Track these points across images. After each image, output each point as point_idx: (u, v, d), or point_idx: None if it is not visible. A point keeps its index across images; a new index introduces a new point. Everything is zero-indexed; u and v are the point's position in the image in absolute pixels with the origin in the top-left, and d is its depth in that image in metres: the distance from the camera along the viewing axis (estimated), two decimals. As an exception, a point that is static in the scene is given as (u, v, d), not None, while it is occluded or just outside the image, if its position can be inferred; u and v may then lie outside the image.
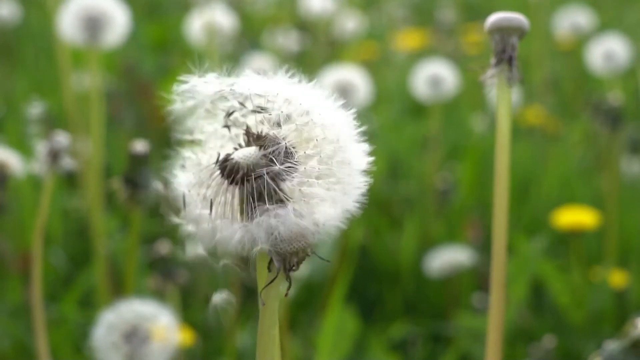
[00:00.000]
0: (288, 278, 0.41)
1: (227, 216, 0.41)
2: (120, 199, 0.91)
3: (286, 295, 0.41)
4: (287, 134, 0.41)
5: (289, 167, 0.41)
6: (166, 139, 1.81)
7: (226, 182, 0.41)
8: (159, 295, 0.98)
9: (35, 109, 1.55)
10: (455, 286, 1.34)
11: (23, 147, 1.27)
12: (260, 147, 0.41)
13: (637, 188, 1.55)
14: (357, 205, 0.41)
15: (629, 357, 0.54)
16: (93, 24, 1.23)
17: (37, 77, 2.01)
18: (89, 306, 1.23)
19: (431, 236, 1.46)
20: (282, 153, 0.41)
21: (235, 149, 0.42)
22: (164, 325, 0.84)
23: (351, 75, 1.50)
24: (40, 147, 0.80)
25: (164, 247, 1.04)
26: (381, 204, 1.56)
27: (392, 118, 1.84)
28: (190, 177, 0.42)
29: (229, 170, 0.41)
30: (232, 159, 0.41)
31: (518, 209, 1.48)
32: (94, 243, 1.19)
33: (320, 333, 1.13)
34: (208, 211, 0.41)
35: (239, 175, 0.41)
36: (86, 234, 1.34)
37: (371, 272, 1.41)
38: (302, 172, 0.41)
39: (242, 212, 0.41)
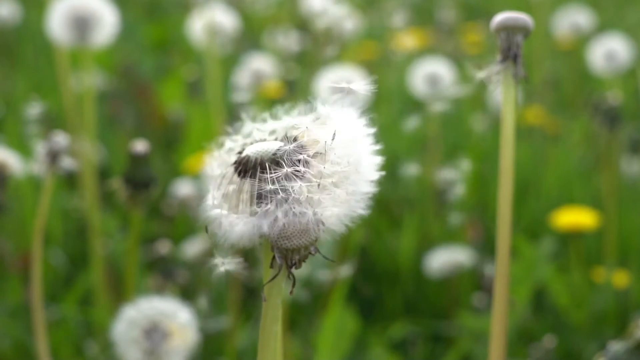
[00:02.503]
0: (290, 275, 0.41)
1: (237, 210, 0.41)
2: (120, 199, 0.91)
3: (291, 293, 0.41)
4: (302, 135, 0.42)
5: (299, 165, 0.41)
6: (166, 139, 1.80)
7: (237, 175, 0.41)
8: (158, 295, 0.98)
9: (34, 109, 1.55)
10: (455, 286, 1.34)
11: (23, 147, 1.27)
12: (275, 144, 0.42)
13: (637, 188, 1.55)
14: (363, 208, 0.42)
15: (633, 358, 0.54)
16: (81, 24, 1.23)
17: (37, 77, 2.01)
18: (89, 306, 1.23)
19: (431, 236, 1.46)
20: (294, 152, 0.41)
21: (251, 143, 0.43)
22: (183, 322, 0.84)
23: (351, 75, 1.50)
24: (40, 148, 0.80)
25: (164, 247, 1.04)
26: (381, 204, 1.56)
27: (392, 118, 1.84)
28: (214, 174, 0.43)
29: (239, 164, 0.42)
30: (245, 153, 0.42)
31: (518, 209, 1.48)
32: (92, 243, 1.19)
33: (320, 333, 1.13)
34: (220, 205, 0.42)
35: (248, 169, 0.41)
36: (86, 234, 1.34)
37: (371, 272, 1.41)
38: (312, 172, 0.41)
39: (250, 206, 0.41)
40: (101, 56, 1.91)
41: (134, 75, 2.02)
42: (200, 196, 1.40)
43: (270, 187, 0.40)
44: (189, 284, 1.20)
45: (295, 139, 0.42)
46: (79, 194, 1.46)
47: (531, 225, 1.45)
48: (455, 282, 1.33)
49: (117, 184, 0.90)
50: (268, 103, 1.70)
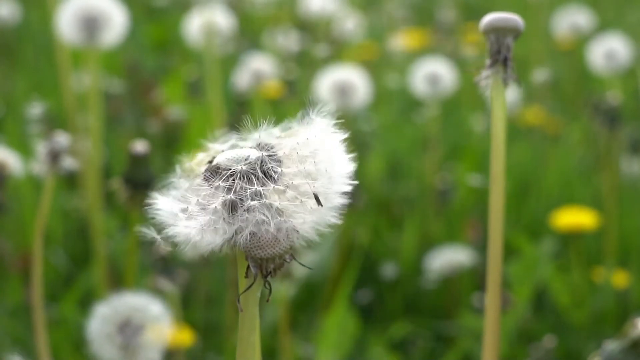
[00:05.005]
0: (266, 284, 0.40)
1: (206, 218, 0.40)
2: (120, 199, 0.91)
3: (267, 301, 0.41)
4: (276, 144, 0.41)
5: (271, 173, 0.40)
6: (166, 139, 1.80)
7: (206, 184, 0.40)
8: (159, 295, 0.98)
9: (35, 109, 1.55)
10: (455, 286, 1.34)
11: (23, 147, 1.27)
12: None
13: (637, 188, 1.55)
14: (336, 217, 0.41)
15: (628, 357, 0.54)
16: (91, 24, 1.23)
17: (37, 77, 2.01)
18: (89, 306, 1.23)
19: (431, 236, 1.46)
20: (266, 161, 0.40)
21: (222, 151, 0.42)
22: (156, 316, 0.84)
23: (351, 75, 1.50)
24: (41, 148, 0.80)
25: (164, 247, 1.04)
26: (381, 204, 1.56)
27: (392, 118, 1.84)
28: (181, 182, 0.42)
29: (208, 171, 0.41)
30: (215, 161, 0.41)
31: (518, 209, 1.48)
32: (94, 243, 1.19)
33: (321, 333, 1.13)
34: (187, 213, 0.40)
35: (218, 177, 0.40)
36: (86, 234, 1.34)
37: (371, 272, 1.41)
38: (283, 181, 0.40)
39: (221, 215, 0.40)
40: (102, 56, 1.91)
41: (135, 75, 2.02)
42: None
43: (239, 195, 0.39)
44: (188, 284, 1.20)
45: (269, 148, 0.41)
46: (79, 193, 1.47)
47: (531, 225, 1.45)
48: (455, 282, 1.34)
49: (117, 184, 0.90)
50: (268, 103, 1.70)
